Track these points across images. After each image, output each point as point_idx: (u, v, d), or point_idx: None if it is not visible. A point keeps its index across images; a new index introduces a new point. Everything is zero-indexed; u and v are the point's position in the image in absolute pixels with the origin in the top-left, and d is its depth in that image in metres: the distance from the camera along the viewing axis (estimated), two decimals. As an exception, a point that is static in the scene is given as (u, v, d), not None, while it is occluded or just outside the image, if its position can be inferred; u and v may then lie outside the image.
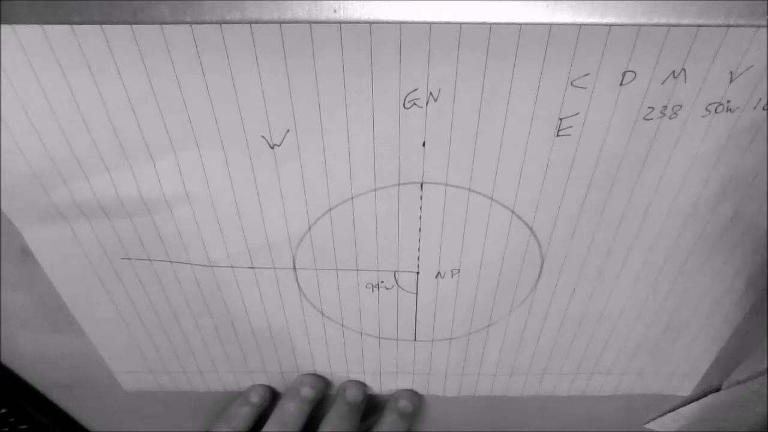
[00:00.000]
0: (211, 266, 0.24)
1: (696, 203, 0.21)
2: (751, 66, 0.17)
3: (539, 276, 0.24)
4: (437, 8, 0.14)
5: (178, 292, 0.25)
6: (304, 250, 0.23)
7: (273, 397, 0.30)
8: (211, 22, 0.15)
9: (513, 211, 0.21)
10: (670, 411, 0.32)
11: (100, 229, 0.22)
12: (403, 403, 0.29)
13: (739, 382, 0.29)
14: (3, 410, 0.31)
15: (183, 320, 0.26)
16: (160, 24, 0.16)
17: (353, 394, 0.29)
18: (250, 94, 0.18)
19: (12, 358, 0.30)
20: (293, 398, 0.28)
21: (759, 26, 0.15)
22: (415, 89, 0.17)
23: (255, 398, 0.29)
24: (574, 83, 0.17)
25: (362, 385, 0.29)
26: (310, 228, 0.22)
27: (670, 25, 0.15)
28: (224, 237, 0.22)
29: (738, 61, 0.17)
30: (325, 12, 0.15)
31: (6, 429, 0.31)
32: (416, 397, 0.30)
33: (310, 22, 0.15)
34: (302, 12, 0.15)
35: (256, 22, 0.15)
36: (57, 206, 0.21)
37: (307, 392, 0.29)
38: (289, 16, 0.15)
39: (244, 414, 0.29)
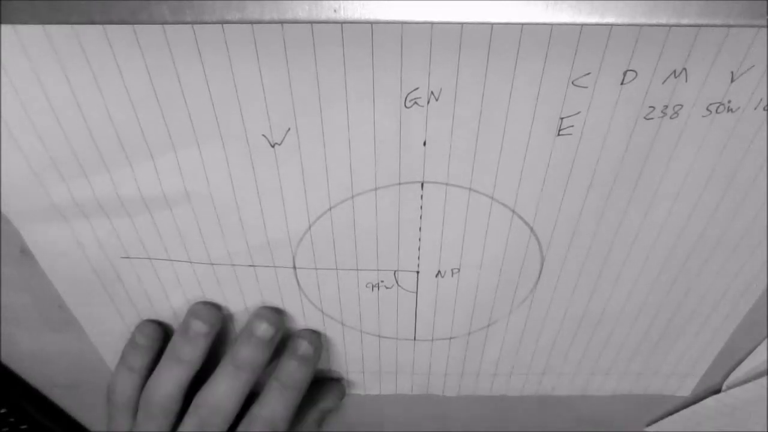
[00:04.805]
0: (212, 264, 0.24)
1: (696, 203, 0.21)
2: (753, 66, 0.17)
3: (539, 275, 0.24)
4: (437, 8, 0.14)
5: (178, 290, 0.25)
6: (304, 249, 0.23)
7: (165, 336, 0.27)
8: (212, 22, 0.15)
9: (513, 211, 0.21)
10: (669, 413, 0.32)
11: (99, 228, 0.22)
12: (304, 346, 0.26)
13: (739, 383, 0.29)
14: (3, 410, 0.31)
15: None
16: (161, 24, 0.16)
17: (263, 329, 0.25)
18: (250, 93, 0.18)
19: (12, 358, 0.30)
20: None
21: (759, 26, 0.15)
22: (416, 88, 0.17)
23: (141, 339, 0.26)
24: (575, 83, 0.17)
25: (275, 317, 0.25)
26: (310, 227, 0.22)
27: (670, 25, 0.15)
28: (224, 236, 0.22)
29: (739, 61, 0.17)
30: (325, 12, 0.15)
31: (6, 429, 0.31)
32: (317, 338, 0.26)
33: (310, 22, 0.15)
34: (302, 12, 0.15)
35: (257, 22, 0.15)
36: (56, 205, 0.21)
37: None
38: (289, 16, 0.15)
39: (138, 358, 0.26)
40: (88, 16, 0.15)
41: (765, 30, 0.16)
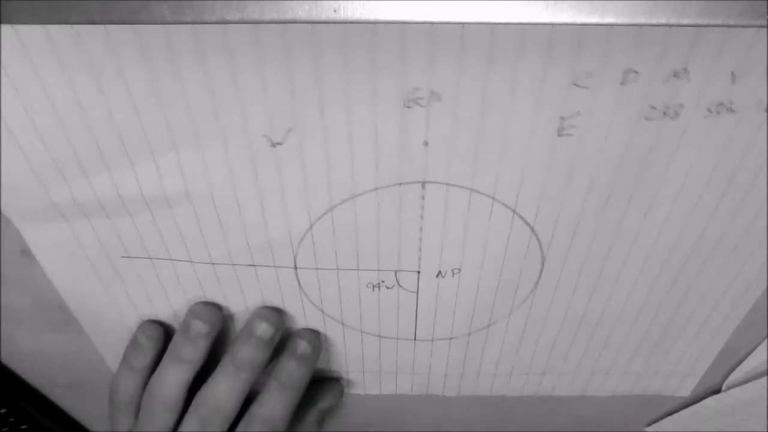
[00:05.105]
0: (212, 264, 0.24)
1: (697, 203, 0.21)
2: (754, 67, 0.17)
3: (540, 276, 0.24)
4: (437, 8, 0.14)
5: (179, 290, 0.25)
6: (305, 249, 0.23)
7: (167, 336, 0.27)
8: (211, 22, 0.15)
9: (514, 211, 0.21)
10: (669, 413, 0.32)
11: (100, 227, 0.22)
12: (303, 346, 0.26)
13: (739, 383, 0.29)
14: (3, 410, 0.31)
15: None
16: (161, 24, 0.16)
17: (263, 329, 0.25)
18: (252, 93, 0.18)
19: (12, 358, 0.30)
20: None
21: (759, 26, 0.15)
22: (418, 88, 0.17)
23: (143, 340, 0.26)
24: (576, 83, 0.17)
25: (275, 317, 0.25)
26: (311, 227, 0.22)
27: (670, 25, 0.15)
28: (225, 235, 0.22)
29: (740, 61, 0.17)
30: (325, 12, 0.15)
31: (6, 429, 0.31)
32: (316, 338, 0.26)
33: (310, 22, 0.15)
34: (302, 12, 0.15)
35: (257, 22, 0.15)
36: (57, 205, 0.21)
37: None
38: (289, 16, 0.15)
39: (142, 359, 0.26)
40: (88, 16, 0.15)
41: (765, 30, 0.16)
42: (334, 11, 0.15)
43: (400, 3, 0.14)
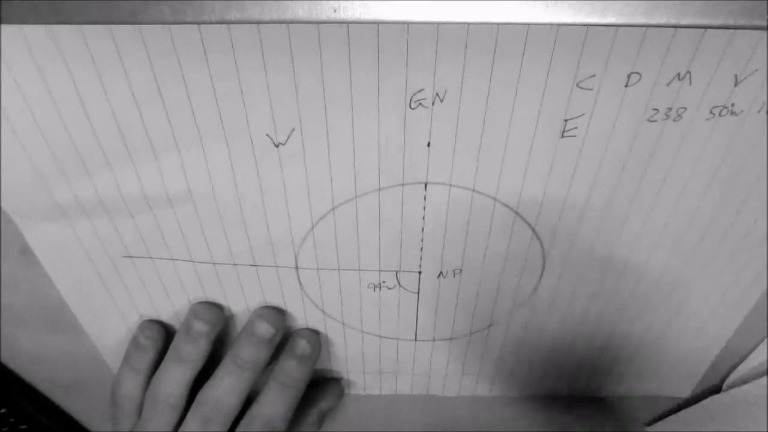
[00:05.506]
0: (213, 264, 0.24)
1: (698, 205, 0.21)
2: (756, 70, 0.17)
3: (541, 277, 0.24)
4: (435, 8, 0.14)
5: (180, 289, 0.25)
6: (307, 249, 0.23)
7: (167, 335, 0.27)
8: (211, 22, 0.15)
9: (516, 212, 0.21)
10: (669, 413, 0.32)
11: (101, 227, 0.22)
12: (302, 346, 0.26)
13: (739, 383, 0.29)
14: (3, 410, 0.31)
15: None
16: (160, 24, 0.16)
17: (264, 329, 0.25)
18: (255, 93, 0.18)
19: (12, 358, 0.30)
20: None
21: (759, 27, 0.15)
22: (422, 89, 0.17)
23: (144, 340, 0.26)
24: (579, 84, 0.17)
25: (276, 317, 0.25)
26: (313, 227, 0.22)
27: (669, 26, 0.15)
28: (227, 235, 0.22)
29: (743, 64, 0.17)
30: (324, 12, 0.15)
31: (6, 429, 0.31)
32: (315, 337, 0.27)
33: (309, 22, 0.15)
34: (302, 12, 0.15)
35: (256, 22, 0.15)
36: (59, 204, 0.21)
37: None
38: (288, 15, 0.15)
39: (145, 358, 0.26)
40: (89, 16, 0.15)
41: (767, 33, 0.16)
42: (334, 11, 0.15)
43: (399, 3, 0.14)
